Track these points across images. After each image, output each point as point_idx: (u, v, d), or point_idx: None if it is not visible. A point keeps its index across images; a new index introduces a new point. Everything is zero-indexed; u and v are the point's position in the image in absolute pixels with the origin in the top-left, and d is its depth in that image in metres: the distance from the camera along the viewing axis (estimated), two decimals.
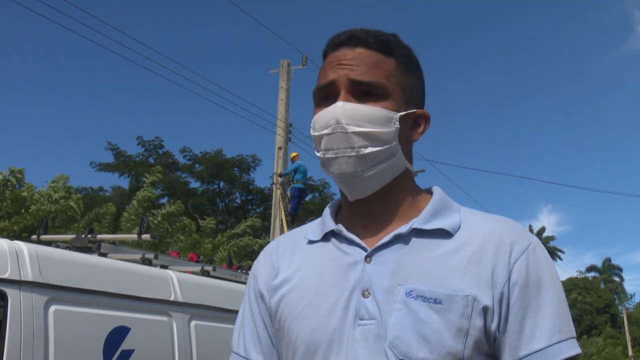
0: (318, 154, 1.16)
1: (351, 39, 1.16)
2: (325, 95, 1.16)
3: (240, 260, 13.03)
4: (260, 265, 1.25)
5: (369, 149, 1.11)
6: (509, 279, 1.06)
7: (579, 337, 1.11)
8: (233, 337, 1.26)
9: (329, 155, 1.13)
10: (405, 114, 1.15)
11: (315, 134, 1.15)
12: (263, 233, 19.81)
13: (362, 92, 1.13)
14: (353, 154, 1.11)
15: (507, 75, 78.12)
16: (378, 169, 1.13)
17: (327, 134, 1.12)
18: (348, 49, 1.15)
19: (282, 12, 64.27)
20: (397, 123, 1.13)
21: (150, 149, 25.18)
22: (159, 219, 13.57)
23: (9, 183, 12.35)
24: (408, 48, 1.20)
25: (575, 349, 1.06)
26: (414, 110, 1.18)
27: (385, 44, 1.16)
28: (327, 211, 1.23)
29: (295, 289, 1.15)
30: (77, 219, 11.92)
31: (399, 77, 1.15)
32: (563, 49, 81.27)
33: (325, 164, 1.15)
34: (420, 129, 1.20)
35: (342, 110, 1.11)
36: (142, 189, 14.04)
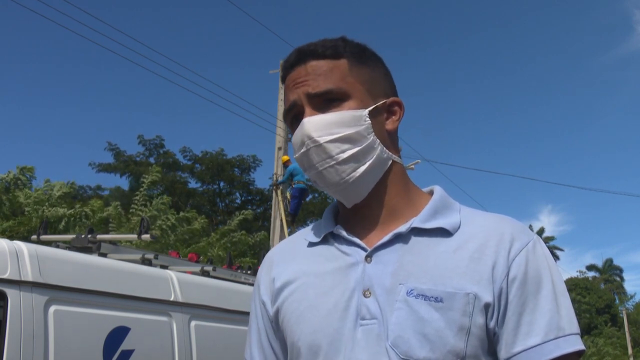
0: (306, 176, 1.18)
1: (300, 56, 1.17)
2: (294, 118, 1.18)
3: (236, 258, 13.01)
4: (263, 272, 1.26)
5: (347, 153, 1.12)
6: (507, 274, 1.06)
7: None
8: (246, 345, 1.29)
9: (313, 172, 1.14)
10: (374, 108, 1.16)
11: (296, 156, 1.17)
12: (259, 230, 19.72)
13: (324, 102, 1.14)
14: (333, 162, 1.12)
15: (507, 75, 78.24)
16: (363, 169, 1.13)
17: (304, 152, 1.14)
18: (300, 66, 1.17)
19: (282, 12, 64.33)
20: (367, 119, 1.14)
21: (151, 148, 25.20)
22: (173, 221, 13.61)
23: (19, 182, 12.25)
24: (359, 45, 1.21)
25: (575, 345, 1.05)
26: (383, 100, 1.19)
27: (333, 49, 1.17)
28: (326, 213, 1.24)
29: (296, 292, 1.16)
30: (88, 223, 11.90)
31: (355, 74, 1.16)
32: (563, 49, 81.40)
33: (315, 182, 1.17)
34: (397, 117, 1.21)
35: (309, 125, 1.12)
36: (142, 188, 14.07)
